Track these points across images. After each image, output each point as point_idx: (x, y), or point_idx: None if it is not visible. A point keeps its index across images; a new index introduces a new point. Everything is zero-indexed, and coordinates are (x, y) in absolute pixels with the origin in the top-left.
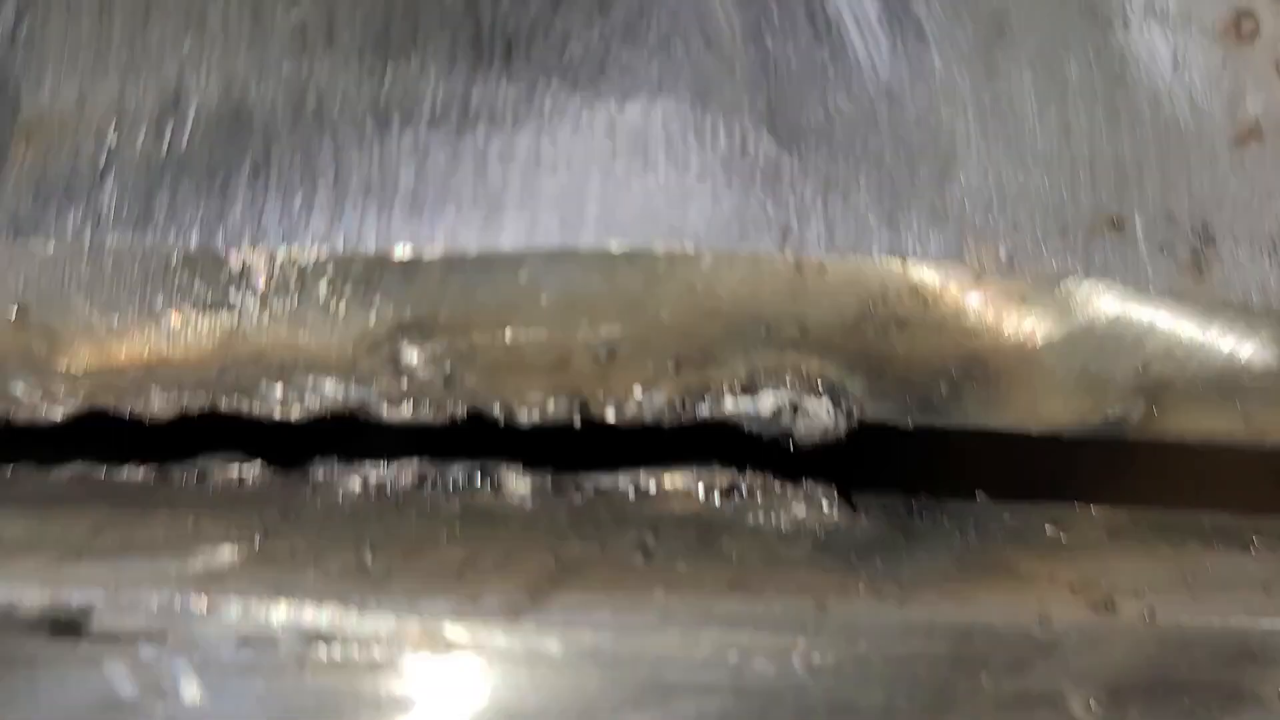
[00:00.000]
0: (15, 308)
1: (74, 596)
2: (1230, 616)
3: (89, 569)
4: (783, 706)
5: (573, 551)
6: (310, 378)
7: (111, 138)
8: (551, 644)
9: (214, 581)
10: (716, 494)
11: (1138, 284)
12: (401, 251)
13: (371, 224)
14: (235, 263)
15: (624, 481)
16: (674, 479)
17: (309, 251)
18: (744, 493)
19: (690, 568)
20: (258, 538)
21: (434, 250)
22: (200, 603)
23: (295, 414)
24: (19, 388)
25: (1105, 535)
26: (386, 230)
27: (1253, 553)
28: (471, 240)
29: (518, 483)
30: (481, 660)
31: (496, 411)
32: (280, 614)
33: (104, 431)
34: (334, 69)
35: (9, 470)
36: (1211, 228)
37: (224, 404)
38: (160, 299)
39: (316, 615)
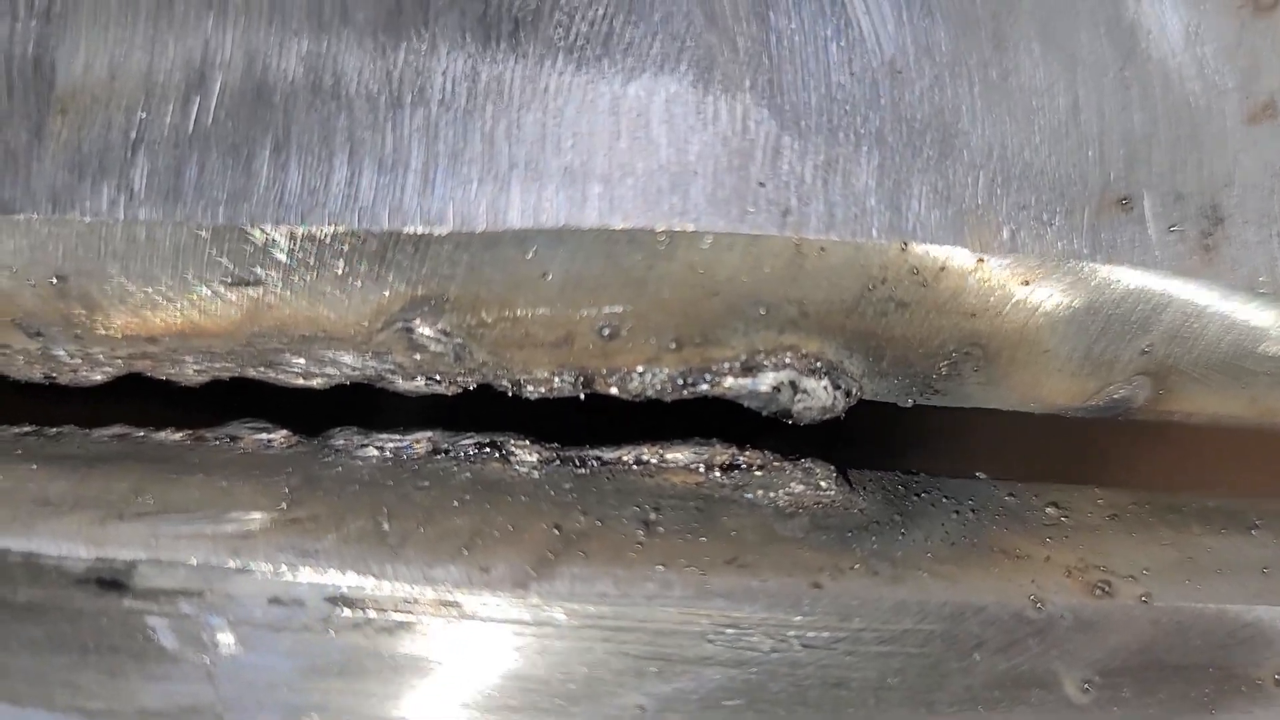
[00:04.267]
0: (55, 277)
1: (119, 554)
2: (1228, 600)
3: (131, 528)
4: (778, 680)
5: (576, 524)
6: (329, 350)
7: (141, 112)
8: (556, 614)
9: (245, 542)
10: (717, 470)
11: (1145, 264)
12: (412, 229)
13: (385, 201)
14: (259, 238)
15: (627, 455)
16: (676, 454)
17: (326, 228)
18: (743, 468)
19: (689, 543)
20: (284, 502)
21: (443, 227)
22: (234, 563)
23: (316, 383)
24: (62, 351)
25: (1106, 517)
26: (399, 207)
27: (1254, 535)
28: (480, 218)
29: (526, 454)
30: (490, 627)
31: (505, 385)
32: (306, 576)
33: (144, 394)
34: (349, 46)
35: (52, 430)
36: (1221, 208)
37: (252, 373)
38: (191, 271)
39: (339, 579)
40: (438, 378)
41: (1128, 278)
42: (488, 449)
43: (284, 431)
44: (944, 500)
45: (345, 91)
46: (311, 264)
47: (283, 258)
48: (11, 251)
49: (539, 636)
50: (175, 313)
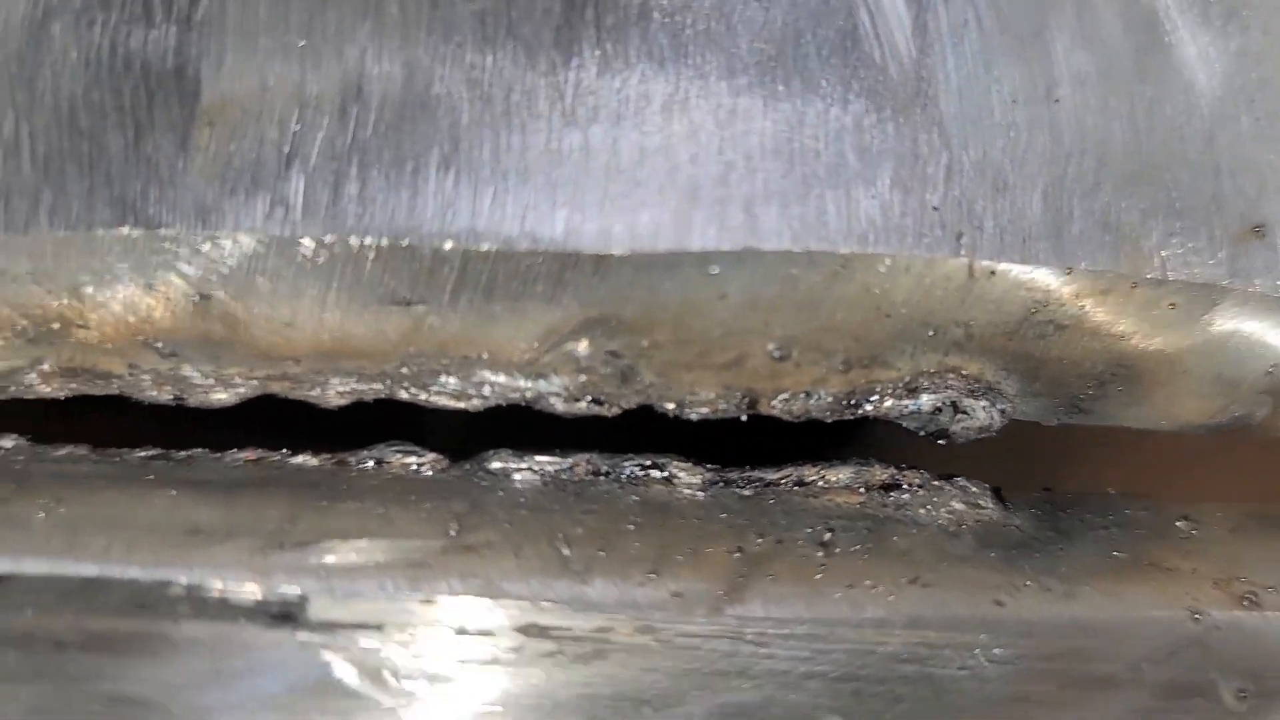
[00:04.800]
0: (199, 295)
1: (286, 586)
2: None
3: (295, 558)
4: (966, 697)
5: (756, 546)
6: (489, 371)
7: (295, 124)
8: (750, 638)
9: (423, 571)
10: (877, 490)
11: (1277, 289)
12: (595, 250)
13: (564, 221)
14: (429, 256)
15: (788, 476)
16: (836, 474)
17: (499, 247)
18: (903, 488)
19: (868, 563)
20: (452, 529)
21: (623, 247)
22: (415, 593)
23: (473, 406)
24: (195, 372)
25: (1229, 530)
26: (579, 228)
27: None
28: (664, 239)
29: (689, 476)
30: (687, 653)
31: (668, 407)
32: (493, 606)
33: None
34: (515, 61)
35: (181, 454)
36: None
37: (403, 394)
38: (348, 289)
39: (529, 608)
40: (602, 399)
41: (1261, 302)
42: (650, 470)
43: (433, 454)
44: (1089, 516)
45: (514, 107)
46: (483, 284)
47: (452, 277)
48: (153, 268)
49: (734, 660)
50: (326, 332)
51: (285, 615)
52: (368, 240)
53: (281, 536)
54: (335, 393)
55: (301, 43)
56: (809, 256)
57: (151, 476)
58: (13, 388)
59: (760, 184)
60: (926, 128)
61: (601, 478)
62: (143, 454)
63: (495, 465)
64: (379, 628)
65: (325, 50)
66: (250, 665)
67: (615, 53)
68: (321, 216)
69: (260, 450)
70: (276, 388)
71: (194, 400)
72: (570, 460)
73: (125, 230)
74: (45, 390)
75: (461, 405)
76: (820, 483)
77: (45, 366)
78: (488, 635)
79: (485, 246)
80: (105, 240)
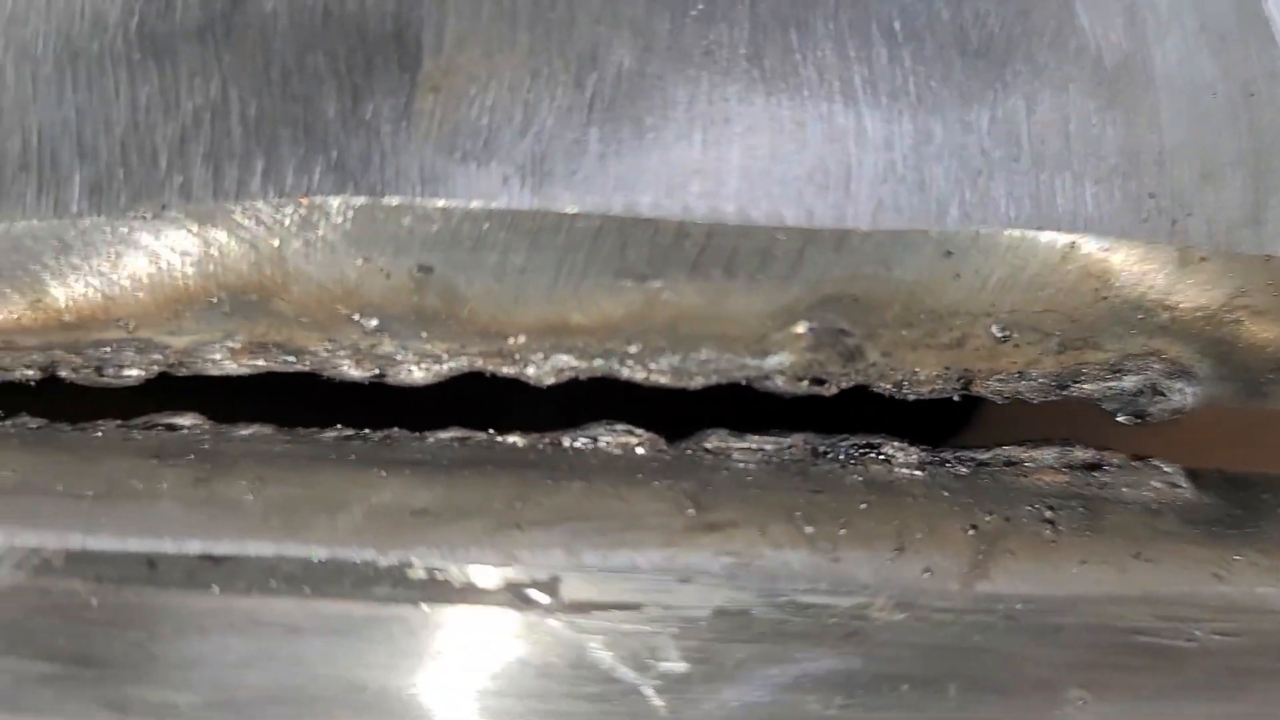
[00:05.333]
0: (418, 268)
1: (534, 568)
2: None
3: (536, 539)
4: (1195, 670)
5: (986, 523)
6: (716, 350)
7: (527, 91)
8: (999, 612)
9: (674, 551)
10: (1080, 469)
11: None
12: (838, 226)
13: (806, 198)
14: (668, 230)
15: (997, 456)
16: (1041, 454)
17: (744, 222)
18: (1104, 468)
19: (1093, 539)
20: (690, 508)
21: (861, 224)
22: (671, 572)
23: (694, 384)
24: (399, 348)
25: None
26: (821, 204)
27: None
28: (908, 217)
29: (905, 455)
30: (942, 629)
31: (886, 387)
32: (752, 584)
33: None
34: (753, 35)
35: (377, 434)
36: None
37: (624, 372)
38: (582, 262)
39: (789, 586)
40: (824, 379)
41: None
42: (865, 450)
43: (649, 434)
44: (1267, 496)
45: (755, 82)
46: (724, 260)
47: (694, 252)
48: (371, 239)
49: (986, 635)
50: (553, 307)
51: (535, 597)
52: (608, 212)
53: (515, 517)
54: (549, 370)
55: (529, 9)
56: (1039, 239)
57: (353, 457)
58: (198, 364)
59: (993, 167)
60: (1140, 116)
61: (820, 458)
62: (336, 434)
63: (713, 444)
64: (637, 608)
65: (555, 18)
66: (498, 649)
67: (850, 35)
68: (556, 187)
69: (463, 430)
70: (487, 365)
71: (393, 378)
72: (788, 440)
73: (345, 198)
74: (230, 367)
75: (680, 384)
76: (1028, 462)
77: (234, 342)
78: (746, 615)
79: (731, 221)
80: (321, 208)
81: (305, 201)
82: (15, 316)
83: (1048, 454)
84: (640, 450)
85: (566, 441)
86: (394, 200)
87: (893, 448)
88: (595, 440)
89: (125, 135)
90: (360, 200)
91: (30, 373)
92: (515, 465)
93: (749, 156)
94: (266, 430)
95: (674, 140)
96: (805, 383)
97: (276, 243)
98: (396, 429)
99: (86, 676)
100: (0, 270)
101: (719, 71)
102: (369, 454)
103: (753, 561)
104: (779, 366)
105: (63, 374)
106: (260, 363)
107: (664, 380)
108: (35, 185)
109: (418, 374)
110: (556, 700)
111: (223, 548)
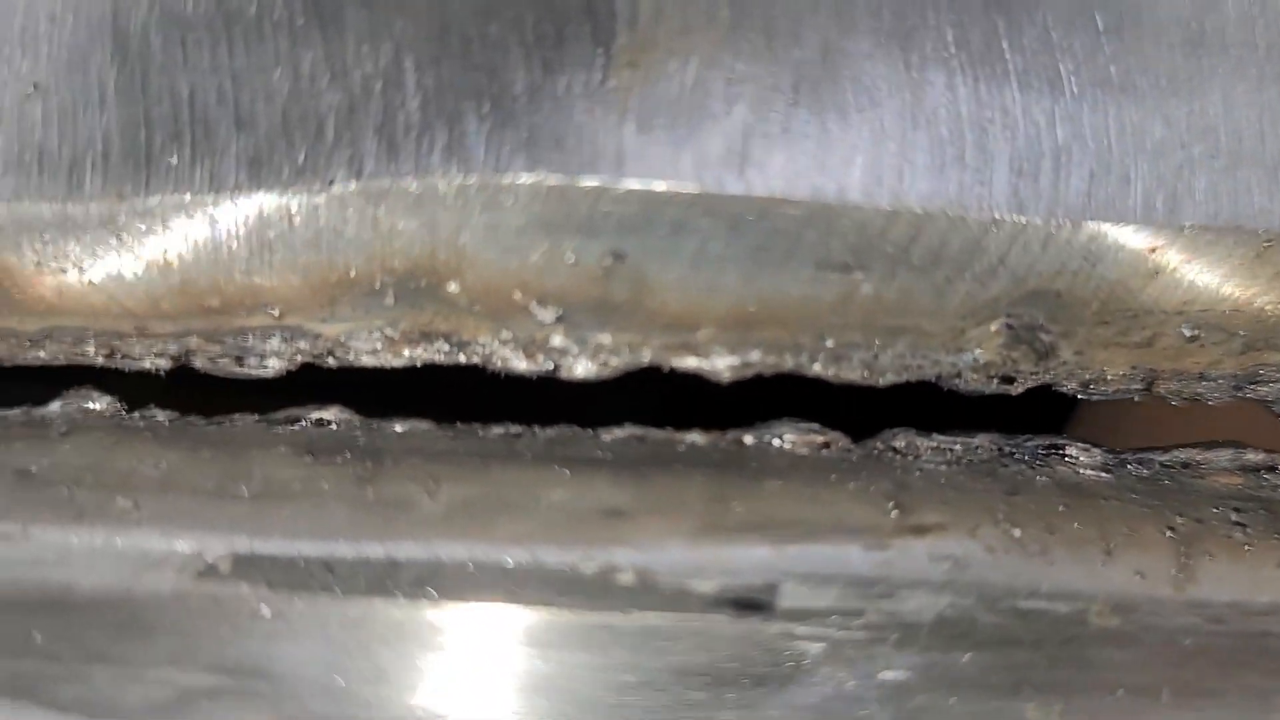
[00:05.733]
0: (611, 255)
1: (749, 574)
2: None
3: (747, 540)
4: None
5: (1180, 526)
6: (910, 346)
7: (728, 69)
8: (1209, 615)
9: (891, 554)
10: (1255, 471)
11: None
12: (1045, 220)
13: (1017, 190)
14: (878, 221)
15: (1174, 458)
16: (1215, 455)
17: (958, 213)
18: (1277, 470)
19: None
20: (893, 509)
21: (1072, 218)
22: (886, 577)
23: (882, 381)
24: (570, 342)
25: None
26: (1032, 196)
27: None
28: (1118, 211)
29: (1087, 456)
30: (1154, 633)
31: (1070, 387)
32: (973, 589)
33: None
34: (962, 22)
35: (549, 431)
36: None
37: (815, 368)
38: (781, 252)
39: (1005, 591)
40: (1013, 377)
41: None
42: (1050, 451)
43: (836, 432)
44: None
45: (963, 66)
46: (932, 252)
47: (900, 243)
48: (561, 222)
49: (1196, 640)
50: (749, 298)
51: (752, 604)
52: (818, 198)
53: (718, 519)
54: (734, 366)
55: None
56: (1236, 235)
57: (528, 455)
58: (349, 354)
59: (1193, 163)
60: None
61: (1008, 458)
62: (502, 431)
63: (900, 443)
64: (858, 614)
65: None
66: (712, 659)
67: (1054, 24)
68: (764, 171)
69: (638, 427)
70: (668, 358)
71: (565, 373)
72: (975, 440)
73: (538, 178)
74: (388, 358)
75: (870, 382)
76: (1204, 465)
77: (393, 331)
78: (970, 622)
79: (949, 212)
80: (510, 188)
81: (494, 180)
82: (154, 300)
83: (1221, 456)
84: (826, 450)
85: (749, 439)
86: (590, 181)
87: (1076, 448)
88: (781, 439)
89: (287, 105)
90: (554, 180)
91: (161, 361)
92: (703, 464)
93: (956, 145)
94: (423, 426)
95: (881, 125)
96: (995, 381)
97: (455, 224)
98: (566, 426)
99: (261, 691)
100: (143, 248)
101: (922, 55)
102: (543, 451)
103: (969, 566)
104: (973, 363)
105: (197, 364)
106: (418, 353)
107: (854, 377)
108: (188, 156)
109: (589, 368)
110: (770, 712)
111: (407, 551)
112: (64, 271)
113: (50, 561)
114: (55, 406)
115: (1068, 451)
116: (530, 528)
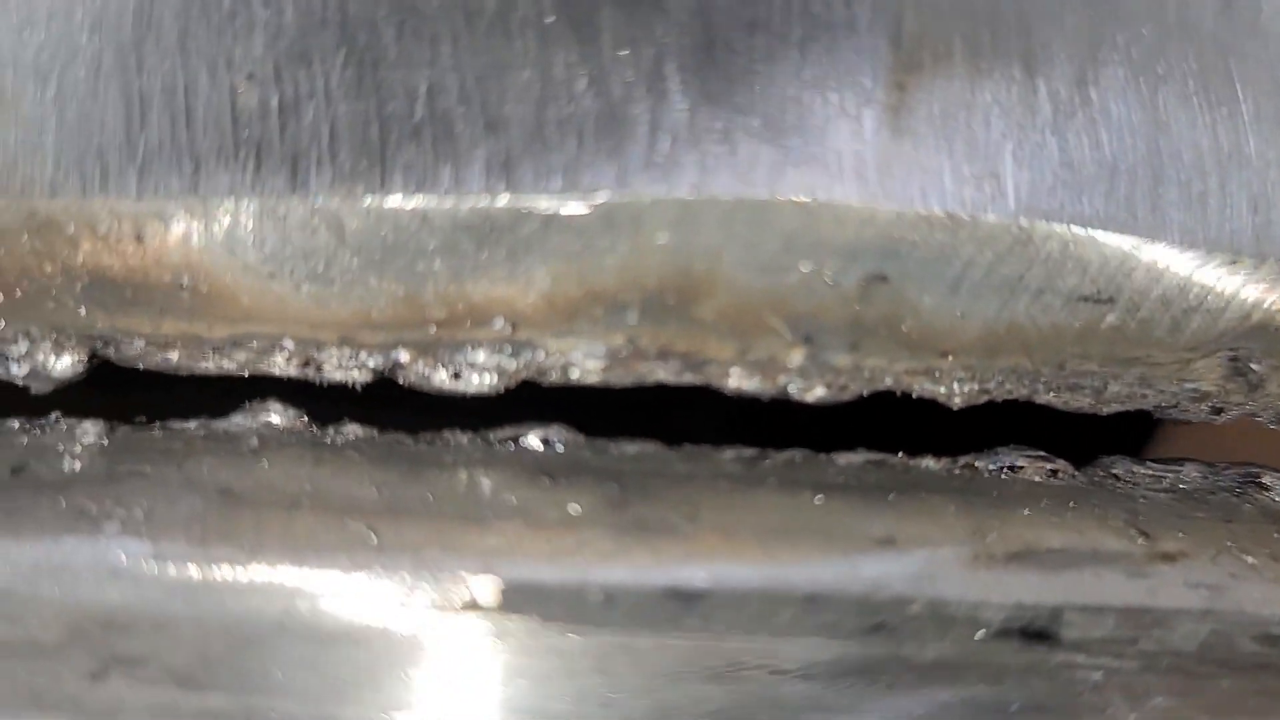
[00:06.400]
0: (870, 275)
1: (1032, 604)
2: None
3: (1018, 573)
4: None
5: None
6: (1141, 375)
7: (989, 92)
8: None
9: (1155, 581)
10: None
11: None
12: (1269, 262)
13: (1227, 228)
14: (1125, 255)
15: None
16: None
17: (1189, 251)
18: None
19: None
20: (1138, 537)
21: None
22: (1151, 607)
23: (1106, 409)
24: (814, 364)
25: None
26: (1259, 234)
27: None
28: None
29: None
30: None
31: (1267, 418)
32: (1230, 615)
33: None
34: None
35: (780, 457)
36: None
37: (1049, 397)
38: (1038, 279)
39: (1258, 619)
40: (1224, 408)
41: None
42: (1246, 480)
43: (1062, 461)
44: None
45: (1199, 103)
46: (1172, 288)
47: (1143, 277)
48: (825, 242)
49: None
50: (1003, 323)
51: (1039, 633)
52: (1072, 227)
53: (987, 549)
54: (972, 393)
55: (986, 6)
56: None
57: (773, 479)
58: (572, 371)
59: None
60: None
61: (1214, 488)
62: (734, 453)
63: (1119, 470)
64: (1132, 641)
65: (1007, 16)
66: (1001, 691)
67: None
68: (1023, 197)
69: (871, 452)
70: (907, 384)
71: (797, 396)
72: (1183, 468)
73: (812, 197)
74: (616, 376)
75: (1094, 409)
76: None
77: (629, 348)
78: (1224, 647)
79: (1196, 248)
80: (779, 206)
81: (760, 198)
82: (367, 308)
83: None
84: (1055, 478)
85: (980, 465)
86: (856, 202)
87: (1271, 477)
88: (1013, 467)
89: (539, 107)
90: (821, 199)
91: (359, 374)
92: (946, 491)
93: (1201, 183)
94: (652, 448)
95: (1132, 158)
96: (1206, 410)
97: (717, 241)
98: (798, 450)
99: None
100: (364, 251)
101: (1168, 93)
102: (787, 476)
103: (1224, 592)
104: (1193, 394)
105: (400, 378)
106: (650, 372)
107: (1081, 405)
108: (428, 156)
109: (823, 392)
110: None
111: (697, 581)
112: (273, 276)
113: (285, 593)
114: (239, 420)
115: (1263, 480)
116: (806, 553)
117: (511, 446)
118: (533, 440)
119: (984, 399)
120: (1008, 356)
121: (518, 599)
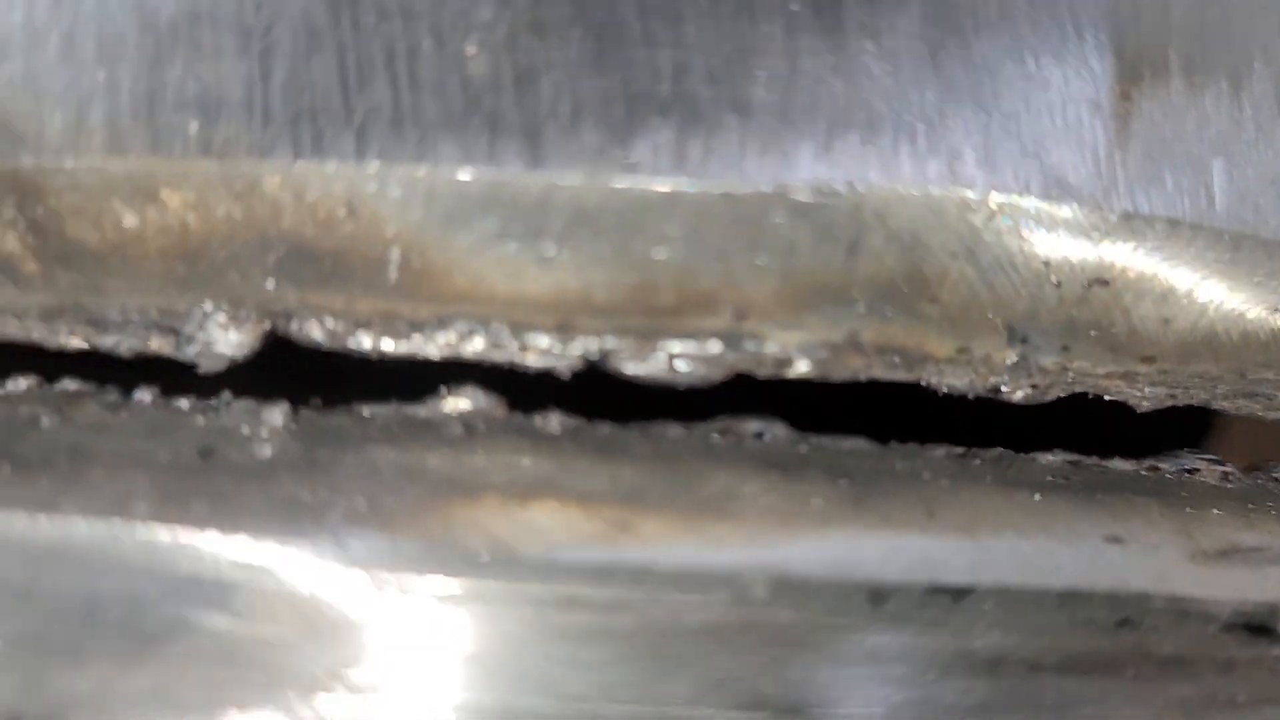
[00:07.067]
0: (1091, 279)
1: (1252, 599)
2: None
3: (1231, 570)
4: None
5: None
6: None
7: (1208, 103)
8: None
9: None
10: None
11: None
12: None
13: None
14: None
15: None
16: None
17: None
18: None
19: None
20: None
21: None
22: None
23: (1271, 415)
24: (1024, 363)
25: None
26: None
27: None
28: None
29: None
30: None
31: None
32: None
33: None
34: None
35: (991, 453)
36: None
37: (1219, 403)
38: (1247, 289)
39: None
40: None
41: None
42: None
43: (1230, 464)
44: None
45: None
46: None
47: None
48: (1052, 245)
49: None
50: (1198, 329)
51: (1260, 627)
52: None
53: (1195, 547)
54: (1154, 397)
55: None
56: None
57: (989, 478)
58: (788, 366)
59: None
60: None
61: None
62: (944, 451)
63: (1278, 474)
64: None
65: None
66: (1227, 685)
67: None
68: (1244, 207)
69: (1068, 453)
70: (1105, 387)
71: (1004, 395)
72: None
73: (1041, 202)
74: (830, 370)
75: (1261, 415)
76: None
77: (850, 342)
78: None
79: None
80: (1010, 208)
81: (999, 199)
82: (590, 293)
83: None
84: (1228, 481)
85: (1165, 466)
86: (1089, 207)
87: None
88: (1192, 470)
89: (788, 94)
90: (1053, 201)
91: (563, 363)
92: (1143, 493)
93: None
94: (864, 444)
95: None
96: None
97: (953, 239)
98: (1000, 449)
99: None
100: (603, 232)
101: None
102: (999, 475)
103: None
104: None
105: (609, 366)
106: (865, 367)
107: (1252, 410)
108: (673, 135)
109: (1029, 392)
110: None
111: (955, 578)
112: (494, 254)
113: (533, 594)
114: (437, 405)
115: None
116: (1052, 551)
117: (719, 439)
118: (750, 431)
119: (1169, 403)
120: (1199, 363)
121: (791, 594)
